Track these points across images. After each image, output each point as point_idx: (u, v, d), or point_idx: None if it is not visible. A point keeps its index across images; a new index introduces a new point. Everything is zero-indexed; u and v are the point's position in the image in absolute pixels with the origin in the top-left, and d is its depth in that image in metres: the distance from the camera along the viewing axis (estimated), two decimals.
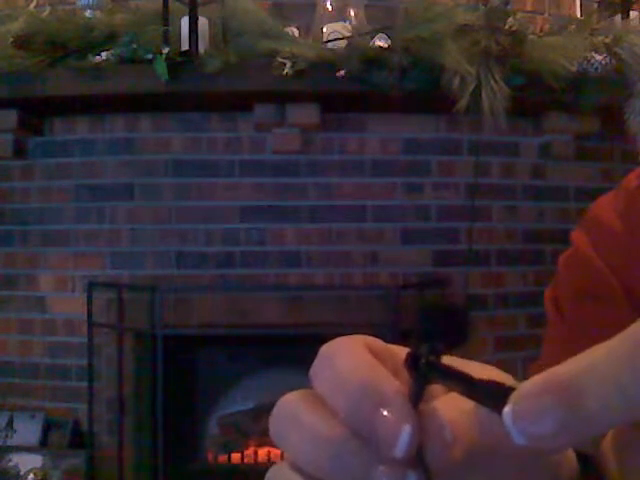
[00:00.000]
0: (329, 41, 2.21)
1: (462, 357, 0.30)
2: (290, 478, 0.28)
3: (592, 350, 0.23)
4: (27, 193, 2.54)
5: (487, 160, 2.51)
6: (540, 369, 0.24)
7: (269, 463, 2.45)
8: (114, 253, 2.49)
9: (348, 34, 2.22)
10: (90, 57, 2.20)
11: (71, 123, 2.51)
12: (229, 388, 2.68)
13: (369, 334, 0.29)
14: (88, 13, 2.30)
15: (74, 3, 2.39)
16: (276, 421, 0.29)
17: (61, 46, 2.20)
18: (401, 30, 2.14)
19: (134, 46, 2.15)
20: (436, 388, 0.28)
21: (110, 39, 2.21)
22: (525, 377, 0.25)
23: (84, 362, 2.42)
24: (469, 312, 2.35)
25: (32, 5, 2.40)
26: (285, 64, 2.12)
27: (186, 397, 2.62)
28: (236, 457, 2.64)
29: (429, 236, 2.51)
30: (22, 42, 2.17)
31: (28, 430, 2.44)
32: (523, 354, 2.44)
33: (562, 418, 0.22)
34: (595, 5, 2.49)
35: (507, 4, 2.24)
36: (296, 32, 2.30)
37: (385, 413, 0.25)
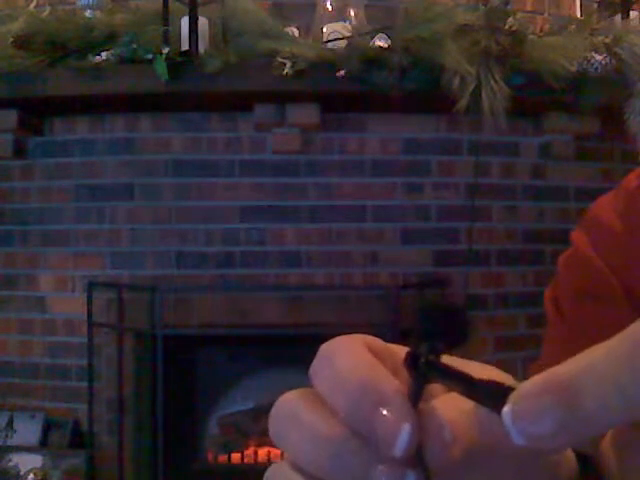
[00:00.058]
0: (329, 41, 2.21)
1: (462, 357, 0.30)
2: (290, 477, 0.28)
3: (591, 350, 0.23)
4: (27, 193, 2.54)
5: (487, 160, 2.51)
6: (540, 369, 0.24)
7: (269, 463, 2.45)
8: (114, 253, 2.49)
9: (348, 34, 2.22)
10: (90, 57, 2.20)
11: (71, 123, 2.51)
12: (229, 388, 2.68)
13: (369, 334, 0.29)
14: (88, 13, 2.30)
15: (74, 3, 2.39)
16: (275, 420, 0.29)
17: (61, 46, 2.20)
18: (401, 30, 2.14)
19: (134, 46, 2.15)
20: (435, 387, 0.28)
21: (110, 39, 2.21)
22: (525, 377, 0.25)
23: (84, 362, 2.42)
24: (468, 312, 2.35)
25: (32, 5, 2.40)
26: (285, 64, 2.12)
27: (186, 397, 2.62)
28: (236, 457, 2.64)
29: (429, 236, 2.51)
30: (22, 42, 2.18)
31: (28, 430, 2.44)
32: (523, 354, 2.44)
33: (561, 418, 0.22)
34: (595, 5, 2.49)
35: (507, 4, 2.24)
36: (296, 32, 2.30)
37: (385, 412, 0.25)
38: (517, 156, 2.56)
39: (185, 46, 2.14)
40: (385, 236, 2.49)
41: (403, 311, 2.19)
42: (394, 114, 2.48)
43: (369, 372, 0.26)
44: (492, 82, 2.10)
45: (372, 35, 2.20)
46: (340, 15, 2.29)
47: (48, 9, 2.31)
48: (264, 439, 2.60)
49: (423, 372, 0.26)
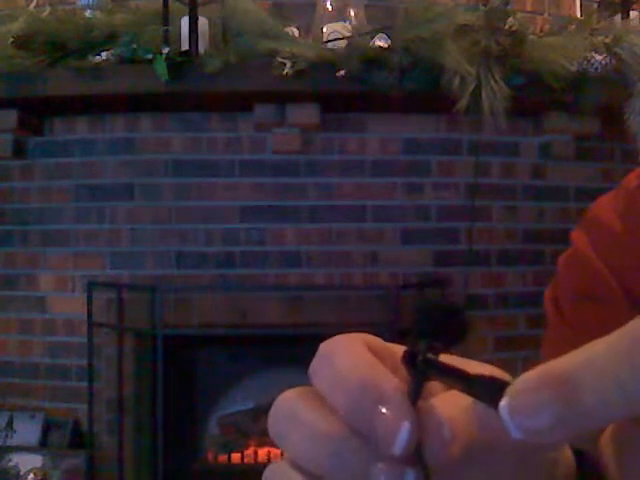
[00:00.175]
0: (329, 41, 2.21)
1: (461, 356, 0.30)
2: (290, 476, 0.28)
3: (590, 345, 0.23)
4: (27, 193, 2.54)
5: (487, 160, 2.51)
6: None
7: (269, 463, 2.45)
8: (114, 253, 2.49)
9: (348, 34, 2.22)
10: (90, 57, 2.20)
11: (71, 123, 2.51)
12: (229, 388, 2.68)
13: (369, 333, 0.30)
14: (88, 13, 2.30)
15: (74, 3, 2.39)
16: (275, 419, 0.29)
17: (61, 46, 2.20)
18: (401, 30, 2.14)
19: (134, 46, 2.15)
20: (434, 386, 0.28)
21: (110, 39, 2.21)
22: None
23: (84, 362, 2.42)
24: (466, 310, 2.35)
25: (32, 5, 2.40)
26: (285, 64, 2.12)
27: (186, 397, 2.62)
28: (236, 457, 2.64)
29: (429, 236, 2.51)
30: (22, 42, 2.18)
31: (28, 430, 2.44)
32: (523, 354, 2.44)
33: (559, 412, 0.22)
34: (595, 5, 2.49)
35: (507, 4, 2.24)
36: (296, 32, 2.30)
37: (384, 410, 0.25)
38: (517, 156, 2.56)
39: (185, 46, 2.14)
40: (385, 236, 2.49)
41: (403, 311, 2.19)
42: (394, 114, 2.48)
43: (369, 371, 0.26)
44: (492, 82, 2.10)
45: (372, 35, 2.20)
46: (340, 15, 2.29)
47: (48, 9, 2.31)
48: (264, 439, 2.60)
49: (421, 369, 0.26)
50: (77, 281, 2.49)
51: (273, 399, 0.29)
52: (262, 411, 2.58)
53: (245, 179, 2.48)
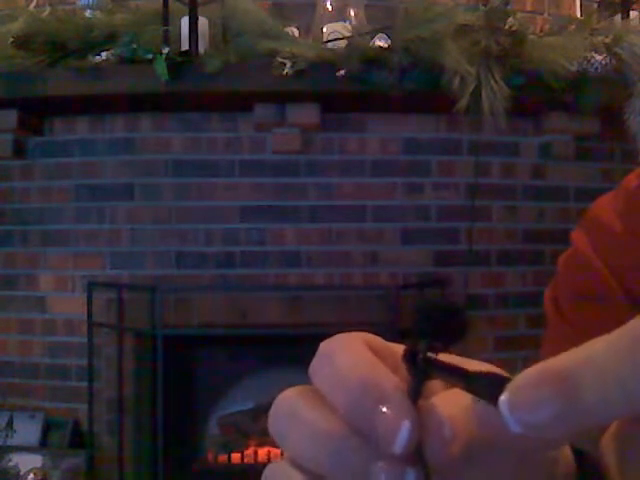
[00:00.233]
0: (329, 41, 2.21)
1: (461, 356, 0.30)
2: (290, 475, 0.28)
3: (590, 343, 0.23)
4: (27, 193, 2.54)
5: (487, 160, 2.51)
6: None
7: (269, 463, 2.45)
8: (114, 253, 2.49)
9: (348, 34, 2.22)
10: (90, 57, 2.20)
11: (71, 123, 2.51)
12: (229, 388, 2.68)
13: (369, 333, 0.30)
14: (88, 13, 2.30)
15: (74, 3, 2.39)
16: (275, 418, 0.29)
17: (61, 46, 2.20)
18: (401, 30, 2.14)
19: (134, 46, 2.15)
20: (435, 384, 0.28)
21: (110, 39, 2.21)
22: None
23: (84, 362, 2.42)
24: (465, 309, 2.35)
25: (32, 5, 2.40)
26: (285, 64, 2.12)
27: (186, 397, 2.62)
28: (236, 457, 2.63)
29: (429, 236, 2.51)
30: (22, 42, 2.18)
31: (28, 430, 2.44)
32: (523, 354, 2.44)
33: (560, 409, 0.23)
34: (595, 5, 2.49)
35: (507, 4, 2.24)
36: (296, 32, 2.30)
37: (384, 409, 0.25)
38: (517, 156, 2.56)
39: (185, 46, 2.14)
40: (385, 236, 2.49)
41: (403, 311, 2.19)
42: (394, 114, 2.48)
43: (369, 369, 0.26)
44: (492, 82, 2.10)
45: (372, 35, 2.20)
46: (340, 15, 2.29)
47: (48, 9, 2.31)
48: (264, 439, 2.60)
49: (422, 368, 0.26)
50: (77, 281, 2.49)
51: (273, 399, 0.29)
52: (262, 411, 2.58)
53: (245, 179, 2.48)
